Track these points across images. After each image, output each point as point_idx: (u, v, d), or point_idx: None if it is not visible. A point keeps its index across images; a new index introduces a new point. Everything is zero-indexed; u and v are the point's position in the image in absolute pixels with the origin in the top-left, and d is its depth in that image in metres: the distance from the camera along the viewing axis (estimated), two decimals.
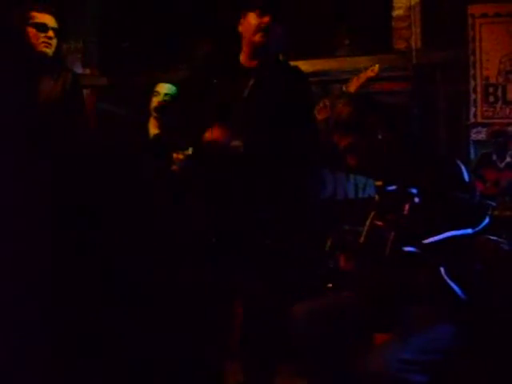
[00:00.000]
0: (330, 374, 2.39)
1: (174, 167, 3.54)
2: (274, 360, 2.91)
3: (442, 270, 2.07)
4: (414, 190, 2.24)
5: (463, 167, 2.25)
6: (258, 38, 2.79)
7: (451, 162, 2.31)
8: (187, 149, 3.50)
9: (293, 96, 2.80)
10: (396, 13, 4.26)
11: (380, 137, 2.37)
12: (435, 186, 2.19)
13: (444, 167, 2.28)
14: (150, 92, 4.02)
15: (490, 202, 2.53)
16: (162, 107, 3.92)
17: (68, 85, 3.20)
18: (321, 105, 3.84)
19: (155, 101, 3.96)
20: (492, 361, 2.21)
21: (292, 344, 2.47)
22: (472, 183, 2.29)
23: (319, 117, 3.75)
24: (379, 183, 2.52)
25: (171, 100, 3.92)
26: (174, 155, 3.51)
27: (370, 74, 3.72)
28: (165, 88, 3.99)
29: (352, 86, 3.80)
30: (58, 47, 3.26)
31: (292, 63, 3.01)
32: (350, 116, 2.39)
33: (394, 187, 2.38)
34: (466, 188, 2.22)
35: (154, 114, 3.94)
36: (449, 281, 2.06)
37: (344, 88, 3.87)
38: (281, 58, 3.01)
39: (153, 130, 4.01)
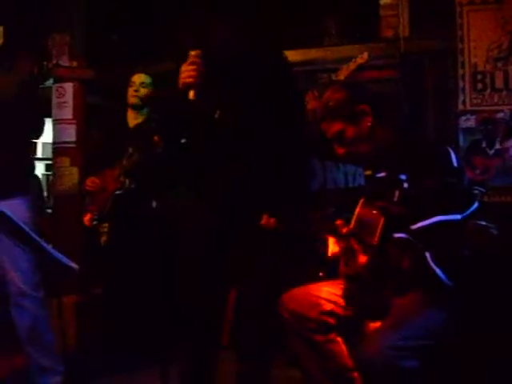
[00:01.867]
0: (318, 361, 2.40)
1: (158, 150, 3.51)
2: (268, 349, 2.91)
3: (427, 255, 2.06)
4: (404, 177, 2.23)
5: (452, 153, 2.24)
6: None
7: (440, 148, 2.31)
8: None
9: (272, 87, 2.77)
10: (383, 1, 4.24)
11: (369, 124, 2.37)
12: (424, 171, 2.19)
13: (433, 153, 2.27)
14: (128, 84, 4.01)
15: (479, 188, 2.53)
16: (146, 99, 3.90)
17: (25, 80, 3.03)
18: (309, 94, 3.83)
19: (131, 91, 3.95)
20: (482, 345, 2.22)
21: (282, 333, 2.47)
22: (461, 168, 2.29)
23: (308, 106, 3.74)
24: (368, 172, 2.51)
25: (154, 90, 3.90)
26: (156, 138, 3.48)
27: (359, 61, 3.71)
28: (140, 78, 3.97)
29: (341, 75, 3.79)
30: (7, 36, 3.04)
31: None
32: (340, 102, 2.39)
33: (383, 174, 2.38)
34: (454, 173, 2.22)
35: (131, 102, 3.92)
36: (434, 266, 2.05)
37: (334, 76, 3.86)
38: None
39: (131, 120, 3.99)
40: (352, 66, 3.68)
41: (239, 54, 2.77)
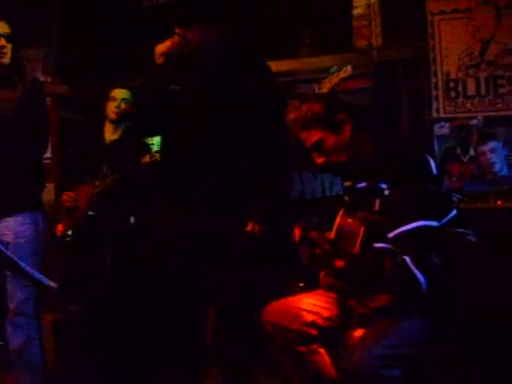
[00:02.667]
0: (301, 373, 2.39)
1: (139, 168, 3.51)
2: (249, 361, 2.90)
3: (407, 259, 2.08)
4: (384, 185, 2.24)
5: (431, 160, 2.26)
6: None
7: (419, 156, 2.33)
8: (150, 152, 3.48)
9: (251, 95, 2.79)
10: (356, 11, 4.29)
11: (348, 133, 2.37)
12: (404, 179, 2.20)
13: (412, 161, 2.29)
14: (106, 98, 3.97)
15: (456, 195, 2.55)
16: (125, 114, 3.87)
17: (26, 94, 3.04)
18: (290, 105, 3.85)
19: (112, 106, 3.91)
20: (461, 351, 2.24)
21: (265, 344, 2.46)
22: (440, 176, 2.31)
23: (288, 117, 3.75)
24: (348, 183, 2.51)
25: (132, 106, 3.88)
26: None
27: (342, 74, 3.75)
28: (121, 93, 3.94)
29: (325, 88, 3.83)
30: (14, 53, 3.06)
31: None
32: (319, 112, 2.39)
33: (364, 184, 2.38)
34: (434, 180, 2.24)
35: (112, 117, 3.90)
36: (414, 270, 2.06)
37: (317, 89, 3.88)
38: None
39: (108, 135, 3.96)
40: (335, 79, 3.72)
41: (221, 59, 2.81)
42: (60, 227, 3.78)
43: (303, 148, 2.47)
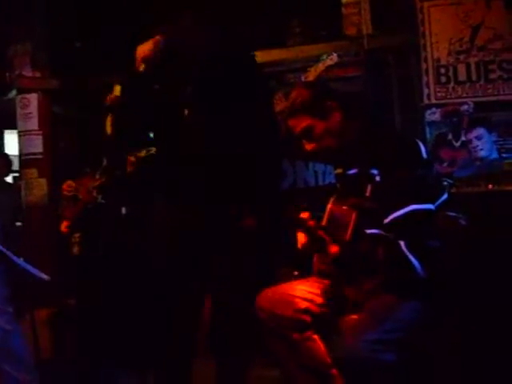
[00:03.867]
0: (296, 360, 2.39)
1: (129, 168, 3.49)
2: (246, 350, 2.91)
3: (401, 243, 2.08)
4: (375, 171, 2.24)
5: (421, 144, 2.27)
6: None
7: (409, 140, 2.34)
8: (139, 150, 3.45)
9: (241, 86, 2.78)
10: None
11: (338, 119, 2.37)
12: (395, 164, 2.20)
13: (402, 145, 2.29)
14: (104, 91, 3.95)
15: (447, 180, 2.56)
16: (111, 107, 3.84)
17: None
18: (278, 95, 3.84)
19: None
20: (455, 335, 2.24)
21: (260, 333, 2.47)
22: (430, 160, 2.31)
23: (277, 107, 3.75)
24: (339, 170, 2.51)
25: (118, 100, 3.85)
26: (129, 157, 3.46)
27: (328, 62, 3.74)
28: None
29: (311, 76, 3.81)
30: None
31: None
32: (307, 99, 2.39)
33: (354, 170, 2.38)
34: (424, 165, 2.24)
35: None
36: (409, 254, 2.07)
37: (303, 78, 3.87)
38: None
39: (110, 127, 3.95)
40: (321, 67, 3.70)
41: (208, 52, 2.78)
42: (65, 223, 3.78)
43: (294, 137, 2.47)
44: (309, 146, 2.41)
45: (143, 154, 3.41)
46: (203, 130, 2.76)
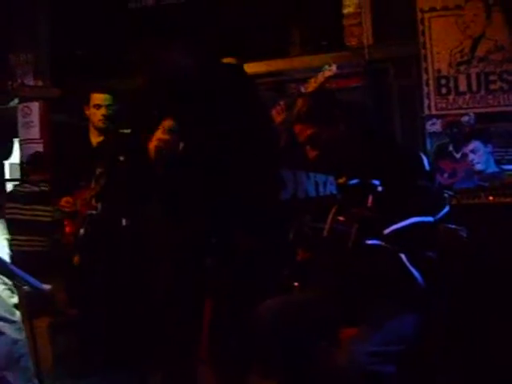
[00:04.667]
0: (297, 372, 2.38)
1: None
2: (243, 361, 2.90)
3: (403, 256, 2.08)
4: (377, 182, 2.24)
5: (424, 157, 2.27)
6: None
7: (412, 152, 2.34)
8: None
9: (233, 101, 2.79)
10: (346, 10, 4.29)
11: (342, 129, 2.37)
12: (397, 175, 2.20)
13: (405, 157, 2.29)
14: (86, 102, 3.91)
15: (448, 192, 2.56)
16: (110, 117, 3.82)
17: None
18: (277, 108, 3.84)
19: (98, 114, 3.83)
20: (455, 346, 2.24)
21: (259, 344, 2.46)
22: (432, 172, 2.32)
23: (277, 118, 3.75)
24: (341, 180, 2.51)
25: (118, 108, 3.83)
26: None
27: (327, 73, 3.73)
28: (105, 99, 3.86)
29: (310, 87, 3.81)
30: None
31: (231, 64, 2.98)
32: (313, 107, 2.39)
33: (356, 181, 2.38)
34: (426, 176, 2.24)
35: (100, 125, 3.84)
36: (410, 267, 2.07)
37: (303, 89, 3.87)
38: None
39: (94, 139, 3.92)
40: (320, 78, 3.69)
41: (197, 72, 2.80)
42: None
43: (295, 147, 2.47)
44: (312, 154, 2.41)
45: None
46: (199, 141, 2.78)
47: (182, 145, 2.86)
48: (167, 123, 3.01)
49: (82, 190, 3.72)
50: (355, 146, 2.37)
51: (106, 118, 3.76)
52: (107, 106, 3.78)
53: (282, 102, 3.71)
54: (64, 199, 3.73)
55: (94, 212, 3.63)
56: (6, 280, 2.97)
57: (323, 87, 3.65)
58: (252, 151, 2.78)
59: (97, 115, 3.78)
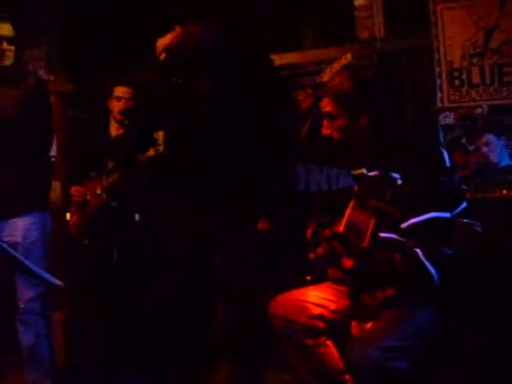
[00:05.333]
0: (310, 367, 2.39)
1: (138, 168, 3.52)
2: (258, 356, 2.91)
3: (419, 251, 2.07)
4: (397, 175, 2.24)
5: (444, 152, 2.27)
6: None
7: (433, 147, 2.34)
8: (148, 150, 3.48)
9: (256, 91, 2.78)
10: (358, 2, 4.26)
11: (362, 125, 2.36)
12: (418, 170, 2.20)
13: (426, 152, 2.29)
14: (109, 95, 3.97)
15: (462, 186, 2.55)
16: (127, 111, 3.87)
17: (28, 91, 3.09)
18: (303, 93, 3.83)
19: (118, 106, 3.90)
20: (470, 342, 2.23)
21: (272, 338, 2.47)
22: (452, 168, 2.30)
23: (303, 106, 3.74)
24: (359, 171, 2.50)
25: (134, 103, 3.87)
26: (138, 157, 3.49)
27: (343, 62, 3.72)
28: (126, 92, 3.93)
29: (325, 76, 3.80)
30: (17, 54, 3.12)
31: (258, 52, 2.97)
32: (345, 91, 2.37)
33: (375, 173, 2.36)
34: (447, 172, 2.24)
35: (118, 118, 3.89)
36: (426, 263, 2.06)
37: (317, 79, 3.86)
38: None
39: (114, 131, 3.97)
40: (336, 67, 3.68)
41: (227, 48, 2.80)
42: (72, 222, 3.80)
43: (316, 137, 2.47)
44: (325, 131, 2.41)
45: (152, 153, 3.42)
46: (220, 126, 2.77)
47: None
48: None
49: (92, 181, 3.74)
50: (375, 137, 2.36)
51: (123, 111, 3.82)
52: (126, 100, 3.85)
53: (309, 89, 3.71)
54: (74, 188, 3.75)
55: (102, 209, 3.65)
56: None
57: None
58: (270, 140, 2.77)
59: (116, 107, 3.87)
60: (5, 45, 3.05)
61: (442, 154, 2.26)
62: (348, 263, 2.21)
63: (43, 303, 3.07)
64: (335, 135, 2.40)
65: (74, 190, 3.76)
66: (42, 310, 3.06)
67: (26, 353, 3.08)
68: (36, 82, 3.19)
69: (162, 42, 2.77)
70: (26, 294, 3.03)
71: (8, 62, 3.08)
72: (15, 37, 3.09)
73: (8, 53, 3.06)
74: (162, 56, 2.75)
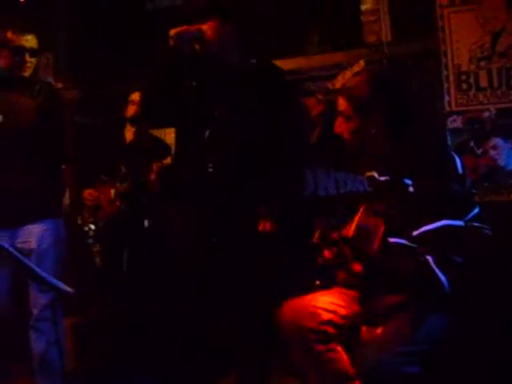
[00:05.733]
0: (319, 372, 2.38)
1: (152, 176, 3.53)
2: (266, 360, 2.90)
3: (429, 259, 2.06)
4: (409, 181, 2.22)
5: (457, 158, 2.25)
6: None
7: (446, 154, 2.31)
8: (165, 157, 3.48)
9: (268, 98, 2.77)
10: (364, 7, 4.27)
11: (373, 131, 2.34)
12: (431, 176, 2.18)
13: (439, 158, 2.27)
14: (125, 101, 4.00)
15: (472, 191, 2.53)
16: (136, 116, 3.89)
17: (42, 100, 3.13)
18: (313, 99, 3.83)
19: (132, 109, 3.93)
20: (482, 350, 2.22)
21: (282, 343, 2.46)
22: (464, 175, 2.29)
23: (313, 112, 3.74)
24: (370, 174, 2.48)
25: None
26: (154, 166, 3.50)
27: (356, 68, 3.72)
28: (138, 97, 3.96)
29: (338, 83, 3.81)
30: (36, 65, 3.18)
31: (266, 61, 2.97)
32: (362, 95, 2.36)
33: (387, 178, 2.35)
34: (459, 179, 2.22)
35: (130, 122, 3.91)
36: (437, 271, 2.06)
37: (330, 85, 3.86)
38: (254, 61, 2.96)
39: (129, 135, 3.99)
40: (348, 74, 3.69)
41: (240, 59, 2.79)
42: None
43: (328, 142, 2.46)
44: (338, 128, 2.39)
45: (169, 160, 3.43)
46: (231, 132, 2.77)
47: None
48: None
49: (105, 185, 3.76)
50: (391, 140, 2.34)
51: (134, 115, 3.84)
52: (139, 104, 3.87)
53: (320, 95, 3.70)
54: (87, 191, 3.77)
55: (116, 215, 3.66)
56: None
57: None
58: (278, 142, 2.76)
59: (129, 111, 3.89)
60: (27, 57, 3.09)
61: (454, 160, 2.24)
62: (357, 267, 2.20)
63: (54, 310, 3.08)
64: (347, 136, 2.38)
65: (87, 193, 3.78)
66: (53, 317, 3.07)
67: (37, 360, 3.09)
68: (51, 91, 3.22)
69: (175, 30, 2.73)
70: (38, 300, 3.04)
71: (28, 73, 3.12)
72: (38, 50, 3.15)
73: (29, 64, 3.10)
74: (172, 41, 2.70)
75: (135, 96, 3.96)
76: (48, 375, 3.08)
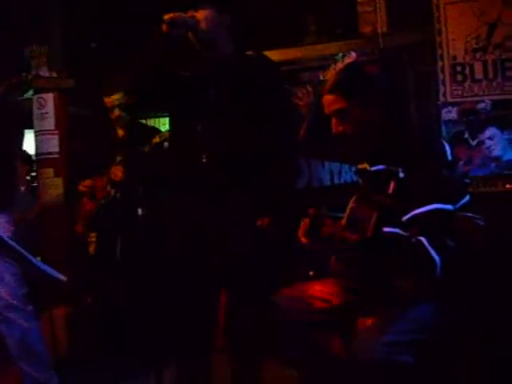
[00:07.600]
0: (314, 362, 2.39)
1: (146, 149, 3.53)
2: (260, 350, 2.90)
3: (423, 239, 2.07)
4: (400, 169, 2.23)
5: (447, 146, 2.26)
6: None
7: (435, 141, 2.33)
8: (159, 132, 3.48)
9: (262, 90, 2.75)
10: None
11: (375, 117, 2.33)
12: (419, 164, 2.19)
13: (429, 146, 2.27)
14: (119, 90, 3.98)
15: (464, 180, 2.54)
16: (129, 105, 3.87)
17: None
18: (302, 91, 3.83)
19: (114, 114, 3.91)
20: (471, 338, 2.23)
21: (276, 333, 2.47)
22: (454, 162, 2.30)
23: (301, 102, 3.74)
24: (363, 166, 2.48)
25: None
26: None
27: (347, 60, 3.72)
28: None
29: (329, 75, 3.80)
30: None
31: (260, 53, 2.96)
32: (352, 81, 2.34)
33: (380, 167, 2.34)
34: (449, 166, 2.23)
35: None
36: (431, 250, 2.05)
37: (321, 77, 3.86)
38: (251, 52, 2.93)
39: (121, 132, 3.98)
40: (340, 66, 3.68)
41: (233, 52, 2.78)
42: (80, 225, 3.83)
43: (316, 134, 2.45)
44: (337, 128, 2.36)
45: (157, 139, 3.42)
46: (222, 124, 2.75)
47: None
48: None
49: (101, 177, 3.78)
50: (384, 130, 2.34)
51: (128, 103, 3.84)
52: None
53: (308, 86, 3.70)
54: (83, 182, 3.78)
55: (106, 201, 3.66)
56: (15, 271, 3.00)
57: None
58: (271, 135, 2.74)
59: (113, 115, 3.89)
60: None
61: (443, 147, 2.25)
62: (353, 237, 2.17)
63: (23, 297, 3.07)
64: (349, 130, 2.35)
65: (82, 184, 3.79)
66: (23, 304, 3.07)
67: (16, 349, 3.07)
68: (5, 91, 3.21)
69: (168, 15, 2.69)
70: (4, 290, 3.03)
71: None
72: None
73: None
74: (165, 28, 2.66)
75: (109, 100, 3.93)
76: (32, 359, 3.08)
